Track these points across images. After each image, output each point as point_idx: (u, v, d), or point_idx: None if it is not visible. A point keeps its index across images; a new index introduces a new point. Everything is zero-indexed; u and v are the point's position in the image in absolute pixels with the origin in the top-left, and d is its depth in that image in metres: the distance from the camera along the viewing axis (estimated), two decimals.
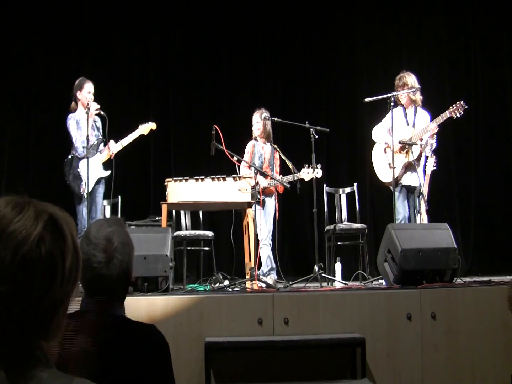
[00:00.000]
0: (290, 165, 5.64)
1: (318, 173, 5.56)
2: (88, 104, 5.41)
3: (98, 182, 5.55)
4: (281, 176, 5.82)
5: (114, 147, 5.56)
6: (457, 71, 7.91)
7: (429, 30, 7.96)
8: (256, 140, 5.91)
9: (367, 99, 5.53)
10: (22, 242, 0.95)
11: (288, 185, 5.63)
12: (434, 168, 5.93)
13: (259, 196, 5.68)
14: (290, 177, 5.57)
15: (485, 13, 7.92)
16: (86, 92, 5.52)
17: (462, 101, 5.46)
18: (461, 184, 7.74)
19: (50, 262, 0.97)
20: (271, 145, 5.89)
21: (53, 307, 0.98)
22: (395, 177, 5.51)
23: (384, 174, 5.75)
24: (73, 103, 5.57)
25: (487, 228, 7.66)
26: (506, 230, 7.53)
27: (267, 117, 5.75)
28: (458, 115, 5.46)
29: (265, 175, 5.67)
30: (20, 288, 0.94)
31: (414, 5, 7.95)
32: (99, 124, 5.66)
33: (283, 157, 5.74)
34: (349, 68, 7.92)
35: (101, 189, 5.61)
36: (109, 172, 5.57)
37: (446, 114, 5.46)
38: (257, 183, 5.54)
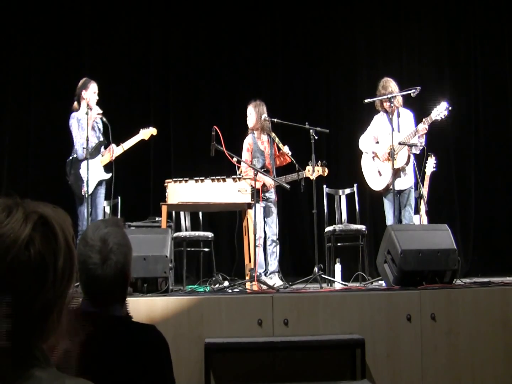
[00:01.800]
0: (292, 161, 5.62)
1: (325, 171, 5.57)
2: (88, 104, 5.41)
3: (99, 184, 5.55)
4: (285, 177, 5.78)
5: (116, 150, 5.56)
6: (457, 71, 7.92)
7: (429, 30, 7.96)
8: (253, 133, 5.83)
9: (367, 100, 5.53)
10: (10, 246, 0.95)
11: (288, 186, 5.62)
12: (434, 169, 5.95)
13: (265, 195, 5.68)
14: (294, 176, 5.53)
15: (485, 13, 7.93)
16: (92, 92, 5.52)
17: (445, 103, 5.45)
18: (461, 185, 7.74)
19: (41, 263, 0.96)
20: (269, 136, 5.83)
21: (46, 307, 0.98)
22: (386, 185, 5.55)
23: (374, 183, 5.77)
24: (75, 102, 5.55)
25: (487, 229, 7.66)
26: (506, 231, 7.53)
27: (266, 118, 5.73)
28: (443, 117, 5.45)
29: (264, 174, 5.64)
30: (11, 291, 0.94)
31: (414, 5, 7.96)
32: (100, 125, 5.66)
33: (286, 154, 5.72)
34: (349, 69, 7.92)
35: (102, 191, 5.61)
36: (110, 174, 5.57)
37: (431, 117, 5.44)
38: (263, 185, 5.54)
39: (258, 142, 5.80)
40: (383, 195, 5.72)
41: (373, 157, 5.76)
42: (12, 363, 0.95)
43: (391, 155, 5.38)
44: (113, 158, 5.54)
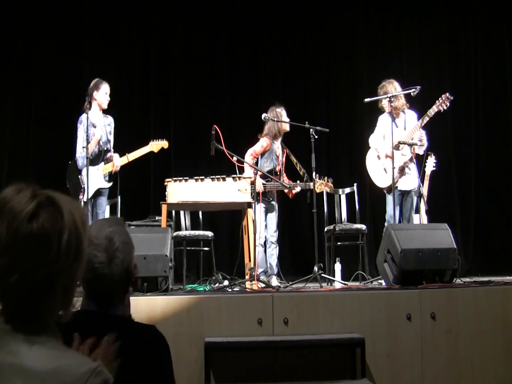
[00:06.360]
0: (301, 172, 5.65)
1: (331, 188, 5.63)
2: (88, 105, 5.33)
3: (98, 193, 5.39)
4: (291, 181, 5.81)
5: (119, 161, 5.44)
6: (457, 70, 7.92)
7: (429, 30, 7.96)
8: (273, 139, 5.87)
9: (367, 99, 5.54)
10: (15, 218, 1.07)
11: (288, 186, 5.63)
12: (434, 168, 5.96)
13: (268, 198, 5.71)
14: (302, 185, 5.60)
15: (486, 11, 7.93)
16: (103, 93, 5.46)
17: (447, 93, 5.52)
18: (461, 184, 7.74)
19: (43, 236, 1.07)
20: (281, 144, 5.91)
21: (49, 279, 1.08)
22: (391, 182, 5.55)
23: (380, 180, 5.79)
24: (86, 103, 5.36)
25: (487, 228, 7.66)
26: (506, 230, 7.53)
27: (266, 117, 5.73)
28: (445, 108, 5.51)
29: (266, 177, 5.65)
30: (14, 258, 1.06)
31: (414, 4, 7.96)
32: (111, 128, 5.54)
33: (294, 160, 5.76)
34: (349, 68, 7.92)
35: (103, 199, 5.45)
36: (110, 184, 5.45)
37: (433, 109, 5.52)
38: (253, 182, 5.53)
39: (275, 147, 5.85)
40: (387, 192, 5.72)
41: (378, 155, 5.79)
42: (18, 324, 1.08)
43: (392, 155, 5.40)
44: (117, 168, 5.41)
